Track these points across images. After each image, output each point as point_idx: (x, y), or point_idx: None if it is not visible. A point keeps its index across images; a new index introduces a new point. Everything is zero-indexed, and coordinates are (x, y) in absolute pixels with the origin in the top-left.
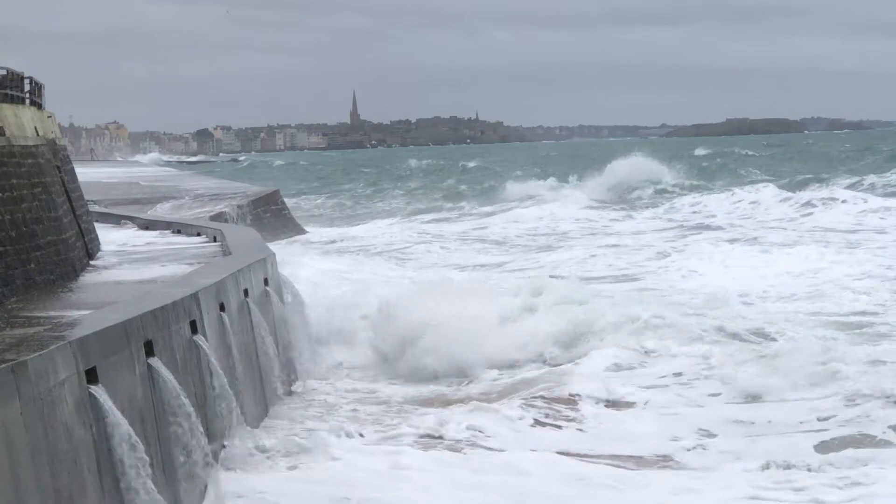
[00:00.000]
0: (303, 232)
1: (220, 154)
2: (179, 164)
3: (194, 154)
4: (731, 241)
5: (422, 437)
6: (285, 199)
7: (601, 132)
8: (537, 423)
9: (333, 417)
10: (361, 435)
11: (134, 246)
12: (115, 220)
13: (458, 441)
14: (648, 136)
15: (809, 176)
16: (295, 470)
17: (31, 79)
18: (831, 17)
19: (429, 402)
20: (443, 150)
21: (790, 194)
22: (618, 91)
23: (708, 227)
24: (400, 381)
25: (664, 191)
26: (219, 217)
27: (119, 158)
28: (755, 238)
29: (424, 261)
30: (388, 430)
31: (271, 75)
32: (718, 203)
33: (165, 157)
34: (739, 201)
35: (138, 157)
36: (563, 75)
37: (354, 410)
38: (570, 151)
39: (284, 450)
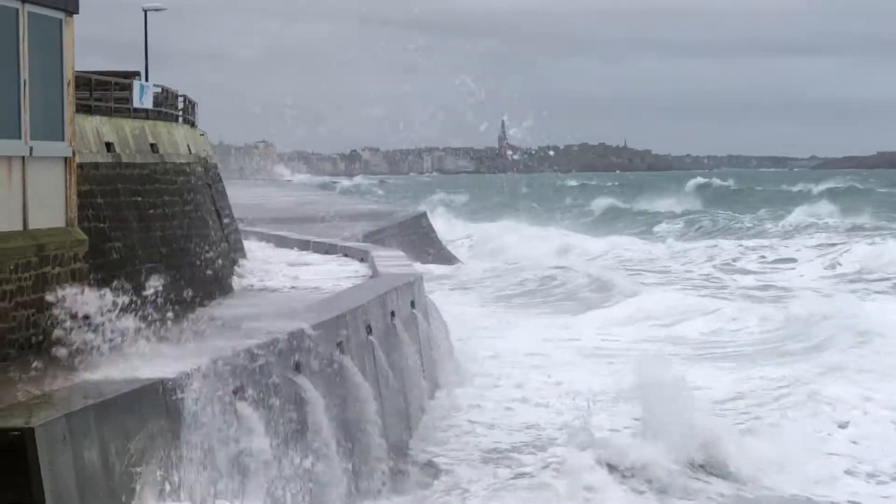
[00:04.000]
0: (453, 260)
1: (359, 175)
2: (331, 185)
3: (342, 175)
4: None
5: None
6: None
7: (749, 163)
8: None
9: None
10: None
11: (282, 264)
12: (266, 238)
13: None
14: (796, 168)
15: None
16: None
17: (184, 97)
18: None
19: None
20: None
21: None
22: (766, 121)
23: None
24: None
25: None
26: (370, 238)
27: (264, 178)
28: None
29: None
30: None
31: (416, 97)
32: None
33: (317, 179)
34: None
35: (287, 177)
36: (711, 104)
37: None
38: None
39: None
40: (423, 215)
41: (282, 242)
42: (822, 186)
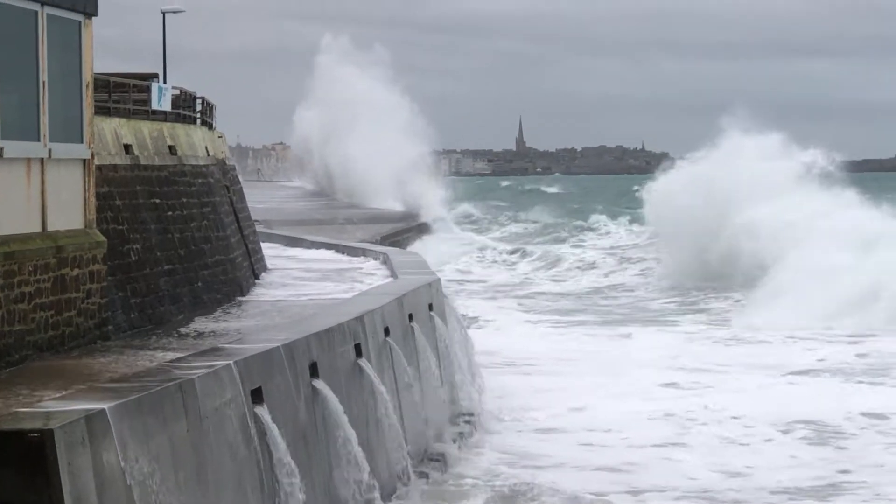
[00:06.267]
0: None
1: None
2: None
3: None
4: None
5: None
6: None
7: None
8: None
9: None
10: None
11: (299, 267)
12: (283, 240)
13: None
14: (815, 170)
15: None
16: None
17: (203, 99)
18: None
19: None
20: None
21: None
22: (786, 123)
23: None
24: None
25: None
26: (387, 240)
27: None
28: None
29: None
30: None
31: (434, 98)
32: None
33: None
34: None
35: (295, 182)
36: (729, 106)
37: None
38: None
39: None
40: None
41: (297, 244)
42: None
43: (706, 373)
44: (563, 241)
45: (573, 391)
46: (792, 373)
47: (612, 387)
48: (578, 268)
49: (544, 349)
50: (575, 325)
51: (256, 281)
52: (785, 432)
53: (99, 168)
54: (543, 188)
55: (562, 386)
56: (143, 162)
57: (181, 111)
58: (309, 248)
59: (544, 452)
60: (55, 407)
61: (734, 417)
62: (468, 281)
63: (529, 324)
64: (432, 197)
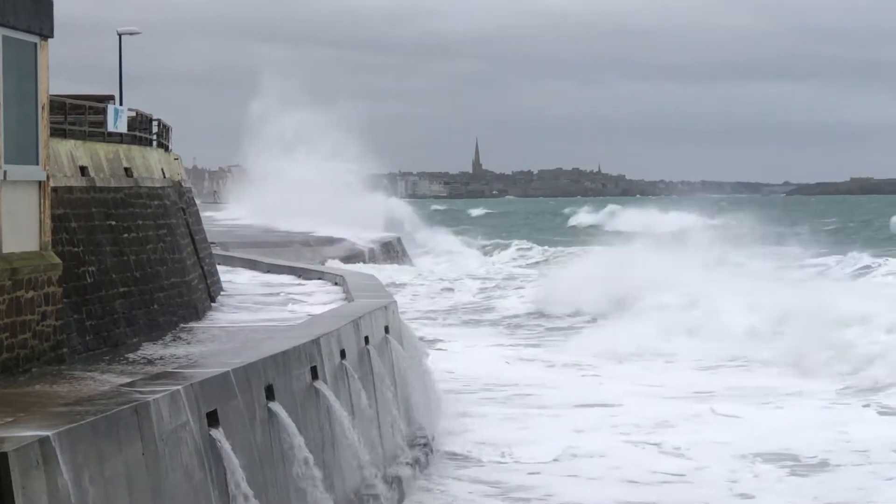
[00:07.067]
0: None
1: None
2: None
3: None
4: None
5: None
6: None
7: (723, 188)
8: None
9: None
10: None
11: (256, 290)
12: (239, 262)
13: None
14: (770, 194)
15: None
16: None
17: (159, 121)
18: None
19: None
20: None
21: None
22: (741, 146)
23: None
24: None
25: None
26: (345, 262)
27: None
28: None
29: None
30: None
31: (390, 120)
32: None
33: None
34: None
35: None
36: (686, 128)
37: None
38: None
39: None
40: (398, 240)
41: (254, 266)
42: None
43: (687, 400)
44: (507, 247)
45: (549, 419)
46: (772, 400)
47: (591, 413)
48: (529, 281)
49: (511, 372)
50: (536, 346)
51: (212, 304)
52: (770, 461)
53: (54, 190)
54: (473, 211)
55: (534, 413)
56: (98, 184)
57: (137, 133)
58: (266, 270)
59: (534, 483)
60: (9, 430)
61: (722, 444)
62: (423, 302)
63: (492, 347)
64: (377, 221)
